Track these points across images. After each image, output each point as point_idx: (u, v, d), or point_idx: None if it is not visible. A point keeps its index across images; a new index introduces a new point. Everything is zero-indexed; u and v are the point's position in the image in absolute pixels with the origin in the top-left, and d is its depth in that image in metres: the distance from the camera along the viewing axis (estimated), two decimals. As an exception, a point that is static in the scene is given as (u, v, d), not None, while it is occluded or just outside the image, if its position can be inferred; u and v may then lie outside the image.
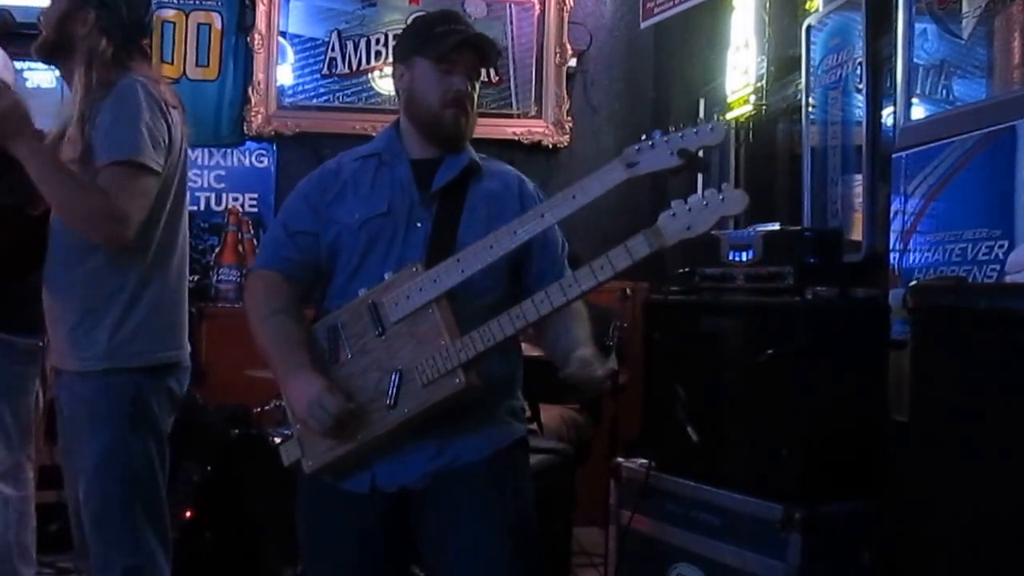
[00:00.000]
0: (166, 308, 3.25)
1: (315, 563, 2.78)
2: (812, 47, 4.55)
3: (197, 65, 6.53)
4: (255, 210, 6.55)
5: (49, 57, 3.28)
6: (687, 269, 3.60)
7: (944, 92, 3.72)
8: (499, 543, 2.59)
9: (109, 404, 3.11)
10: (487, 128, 5.95)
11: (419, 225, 2.68)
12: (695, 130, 2.33)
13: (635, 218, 5.91)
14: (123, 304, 3.13)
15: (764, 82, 5.06)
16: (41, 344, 3.47)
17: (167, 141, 3.14)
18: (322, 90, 6.62)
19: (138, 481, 3.17)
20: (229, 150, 6.56)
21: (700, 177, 5.78)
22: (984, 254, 3.20)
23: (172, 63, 6.48)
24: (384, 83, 6.59)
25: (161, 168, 3.11)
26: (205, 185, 6.53)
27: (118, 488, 3.14)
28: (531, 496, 2.75)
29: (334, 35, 6.61)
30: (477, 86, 2.76)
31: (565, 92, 6.68)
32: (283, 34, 6.57)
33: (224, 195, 6.54)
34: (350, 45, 6.60)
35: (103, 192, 3.02)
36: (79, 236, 3.09)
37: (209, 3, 6.54)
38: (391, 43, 6.57)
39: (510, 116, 6.65)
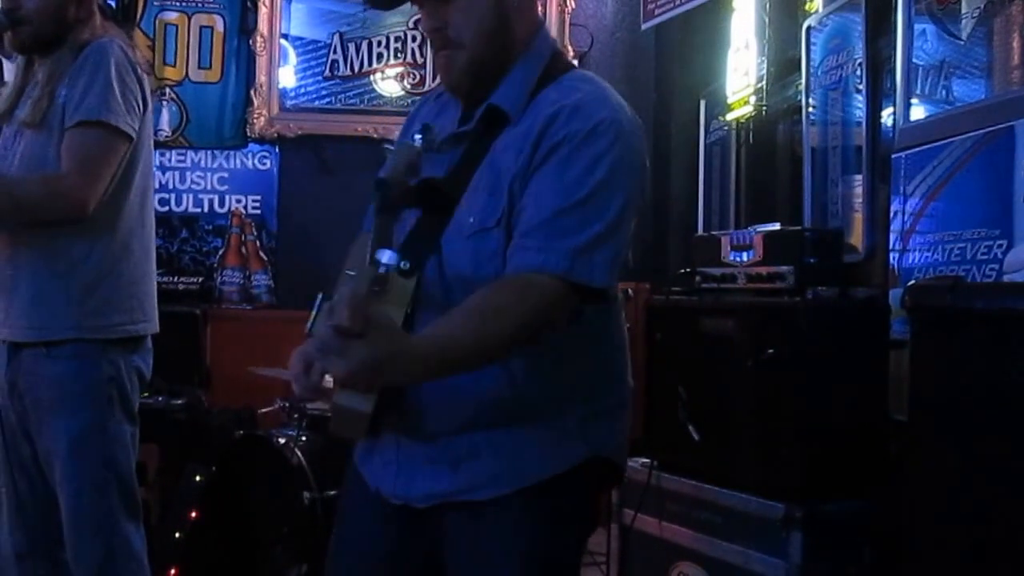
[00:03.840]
0: (145, 280, 3.19)
1: (332, 545, 2.36)
2: (812, 48, 4.56)
3: (199, 68, 6.54)
4: (258, 212, 6.55)
5: (35, 48, 3.15)
6: (688, 269, 3.62)
7: (943, 92, 3.73)
8: None
9: (86, 386, 3.05)
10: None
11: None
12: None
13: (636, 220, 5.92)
14: (92, 272, 3.05)
15: (764, 83, 5.06)
16: None
17: (140, 104, 3.09)
18: (324, 92, 6.62)
19: (114, 465, 3.11)
20: (232, 152, 6.56)
21: (701, 177, 5.79)
22: (983, 254, 3.21)
23: (175, 66, 6.49)
24: (386, 85, 6.60)
25: (134, 132, 3.05)
26: (208, 187, 6.54)
27: (94, 472, 3.07)
28: (568, 554, 2.19)
29: (336, 37, 6.61)
30: (449, 7, 2.06)
31: (567, 93, 6.68)
32: (285, 36, 6.57)
33: (227, 197, 6.54)
34: (352, 47, 6.60)
35: (38, 180, 3.00)
36: None
37: (211, 6, 6.54)
38: (393, 45, 6.59)
39: (512, 117, 6.64)
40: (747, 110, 5.21)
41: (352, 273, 1.93)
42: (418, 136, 2.01)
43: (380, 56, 6.60)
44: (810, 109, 4.57)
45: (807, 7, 4.76)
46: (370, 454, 2.24)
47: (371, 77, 6.62)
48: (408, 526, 2.16)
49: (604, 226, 1.97)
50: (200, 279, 6.45)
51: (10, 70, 3.37)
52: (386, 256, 1.66)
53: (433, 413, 2.08)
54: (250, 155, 6.57)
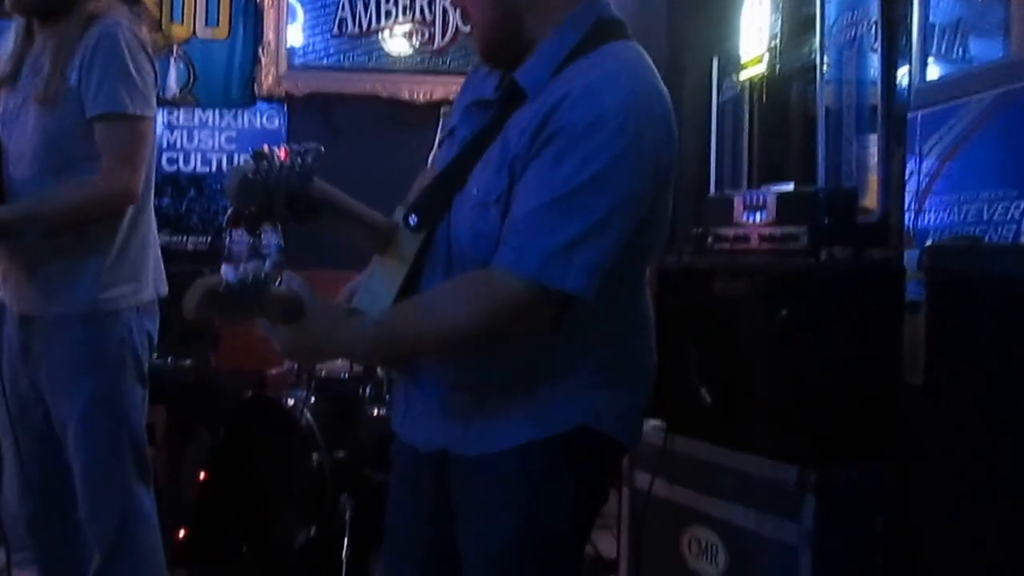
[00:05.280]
0: (149, 246, 3.26)
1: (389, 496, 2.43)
2: (827, 6, 4.50)
3: (207, 25, 6.50)
4: (266, 171, 6.52)
5: (37, 12, 3.16)
6: (700, 230, 3.58)
7: (960, 51, 3.69)
8: (490, 570, 2.15)
9: (98, 349, 3.10)
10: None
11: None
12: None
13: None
14: (112, 245, 3.12)
15: (778, 41, 5.02)
16: None
17: (153, 83, 3.17)
18: (332, 50, 6.57)
19: (127, 427, 3.17)
20: (240, 111, 6.54)
21: (714, 136, 5.75)
22: (1000, 215, 3.18)
23: (182, 23, 6.45)
24: (394, 43, 6.55)
25: (154, 111, 3.16)
26: (216, 147, 6.51)
27: (108, 435, 3.13)
28: (557, 516, 2.14)
29: (344, -6, 6.57)
30: None
31: (577, 51, 6.62)
32: (293, -7, 6.54)
33: (236, 156, 6.52)
34: (360, 5, 6.55)
35: (83, 185, 3.06)
36: (55, 181, 3.08)
37: (218, -37, 6.51)
38: (402, 2, 6.54)
39: (522, 76, 6.60)
40: (760, 69, 5.16)
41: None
42: (250, 160, 1.99)
43: (388, 14, 6.55)
44: (824, 68, 4.52)
45: (822, -36, 4.70)
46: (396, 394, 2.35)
47: (379, 35, 6.58)
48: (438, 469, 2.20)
49: (587, 226, 1.89)
50: (209, 239, 6.43)
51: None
52: (230, 275, 1.75)
53: (428, 369, 2.15)
54: (258, 114, 6.54)
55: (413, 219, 2.07)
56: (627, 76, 1.98)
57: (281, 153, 2.00)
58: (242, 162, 2.02)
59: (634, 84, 1.97)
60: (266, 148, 1.98)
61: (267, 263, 1.78)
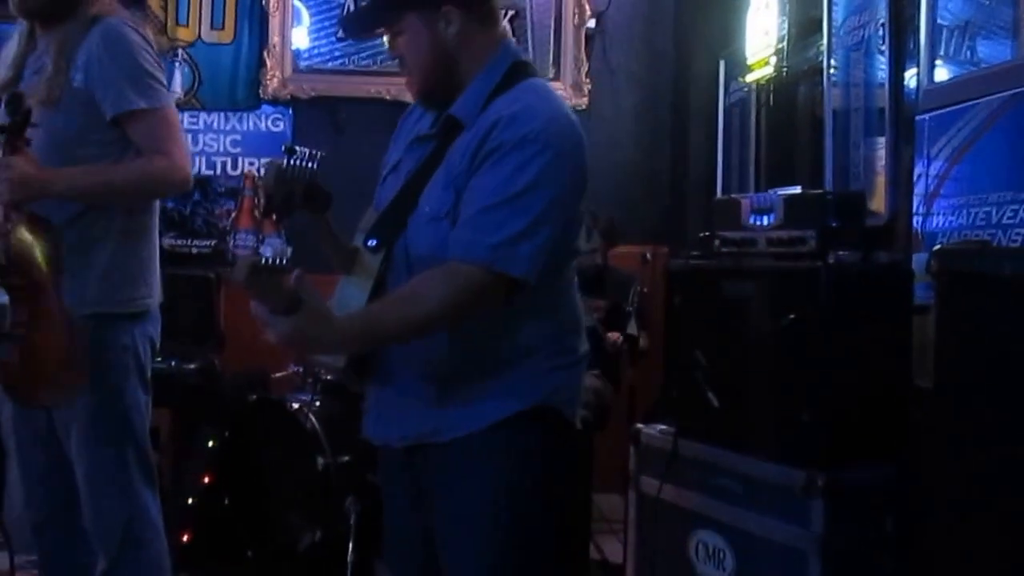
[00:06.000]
0: (152, 251, 3.24)
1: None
2: (834, 8, 4.50)
3: (212, 28, 6.49)
4: (271, 174, 6.50)
5: (40, 14, 3.14)
6: (708, 233, 3.57)
7: (968, 53, 3.68)
8: (474, 540, 2.39)
9: (101, 354, 3.07)
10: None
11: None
12: None
13: (654, 182, 5.88)
14: (117, 251, 3.11)
15: (785, 43, 5.01)
16: None
17: (163, 71, 3.20)
18: (337, 53, 6.57)
19: (131, 433, 3.17)
20: (245, 114, 6.53)
21: (721, 139, 5.74)
22: (1009, 218, 3.17)
23: (187, 26, 6.45)
24: (400, 46, 6.55)
25: (171, 97, 3.22)
26: (221, 149, 6.50)
27: (112, 440, 3.12)
28: (528, 482, 2.41)
29: (349, -3, 6.56)
30: (397, 41, 2.49)
31: (584, 54, 6.61)
32: (298, -4, 6.53)
33: (240, 159, 6.51)
34: (366, 7, 6.54)
35: (151, 160, 3.07)
36: None
37: (224, -35, 6.50)
38: (407, 5, 6.54)
39: (528, 78, 6.59)
40: (767, 71, 5.16)
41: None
42: (284, 155, 2.42)
43: (394, 16, 6.53)
44: (832, 70, 4.51)
45: (829, -34, 4.69)
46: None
47: (384, 38, 6.56)
48: (413, 464, 2.48)
49: (527, 222, 2.24)
50: (213, 242, 6.43)
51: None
52: (267, 251, 2.07)
53: (399, 367, 2.42)
54: (263, 117, 6.53)
55: (373, 242, 2.41)
56: (545, 105, 2.35)
57: None
58: (261, 164, 2.29)
59: (551, 111, 2.34)
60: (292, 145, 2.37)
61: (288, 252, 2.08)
